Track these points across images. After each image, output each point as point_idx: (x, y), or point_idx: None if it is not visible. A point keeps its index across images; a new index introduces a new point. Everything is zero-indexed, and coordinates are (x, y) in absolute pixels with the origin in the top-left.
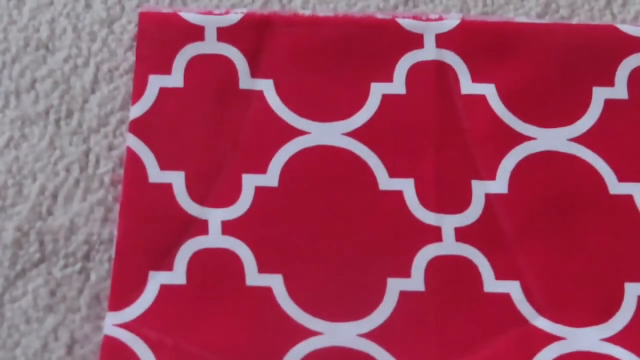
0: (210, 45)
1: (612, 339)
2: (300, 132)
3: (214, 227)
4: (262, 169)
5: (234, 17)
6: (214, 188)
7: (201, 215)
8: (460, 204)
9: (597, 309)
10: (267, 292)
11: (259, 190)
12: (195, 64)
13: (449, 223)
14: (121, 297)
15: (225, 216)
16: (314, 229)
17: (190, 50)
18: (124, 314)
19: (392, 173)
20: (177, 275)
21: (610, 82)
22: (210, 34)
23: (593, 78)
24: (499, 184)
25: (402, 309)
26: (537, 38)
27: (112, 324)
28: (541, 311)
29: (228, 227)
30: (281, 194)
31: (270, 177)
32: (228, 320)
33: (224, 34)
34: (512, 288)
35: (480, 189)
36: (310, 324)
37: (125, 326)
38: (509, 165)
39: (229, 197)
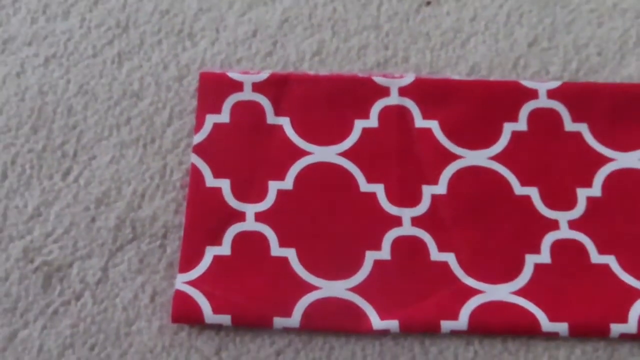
0: (247, 94)
1: (517, 292)
2: (307, 153)
3: (250, 216)
4: (281, 177)
5: (263, 75)
6: (249, 190)
7: (240, 209)
8: (414, 200)
9: (506, 271)
10: (284, 260)
11: (280, 192)
12: (237, 106)
13: (407, 214)
14: (187, 263)
15: (256, 209)
16: (317, 217)
17: (234, 98)
18: (188, 275)
19: (369, 180)
20: (224, 249)
21: (515, 119)
22: (247, 87)
23: (504, 116)
24: (441, 187)
25: (375, 272)
26: (466, 90)
27: (181, 281)
28: (469, 273)
29: (259, 217)
30: (295, 195)
31: (287, 183)
32: (258, 279)
33: (257, 86)
34: (449, 258)
35: (428, 191)
36: (313, 281)
37: (189, 283)
38: (448, 175)
39: (260, 196)
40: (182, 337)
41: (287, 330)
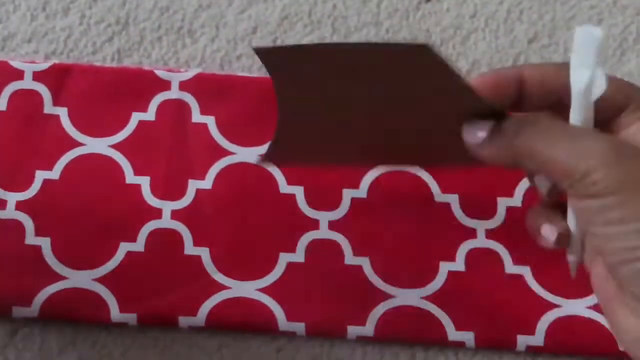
0: (27, 83)
1: (263, 290)
2: (79, 144)
3: (10, 204)
4: (50, 167)
5: (45, 64)
6: (15, 178)
7: (2, 197)
8: (178, 194)
9: (258, 269)
10: (37, 249)
11: (45, 182)
12: (16, 94)
13: (168, 207)
14: None
15: (18, 198)
16: (79, 207)
17: (13, 86)
18: None
19: (136, 172)
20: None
21: None
22: (28, 75)
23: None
24: (207, 183)
25: (126, 263)
26: (247, 87)
27: None
28: (219, 268)
29: (20, 205)
30: (60, 185)
31: (54, 173)
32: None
33: (37, 75)
34: (203, 252)
35: (193, 185)
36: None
37: None
38: (216, 170)
39: (24, 185)
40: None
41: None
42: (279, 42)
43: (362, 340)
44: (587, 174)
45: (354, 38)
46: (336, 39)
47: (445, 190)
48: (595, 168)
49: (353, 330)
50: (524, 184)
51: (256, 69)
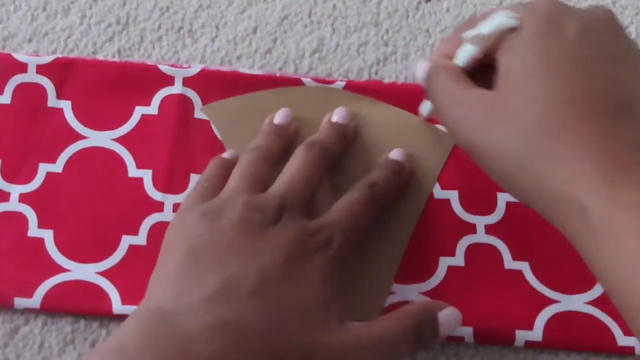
0: (31, 76)
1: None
2: (83, 137)
3: (14, 197)
4: (53, 160)
5: (49, 57)
6: (19, 171)
7: (5, 189)
8: (181, 187)
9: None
10: (40, 241)
11: (49, 175)
12: (20, 88)
13: (170, 200)
14: None
15: (22, 190)
16: (82, 201)
17: (17, 79)
18: None
19: (139, 166)
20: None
21: None
22: (32, 68)
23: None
24: None
25: (129, 257)
26: (250, 84)
27: None
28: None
29: (23, 198)
30: (64, 178)
31: (58, 166)
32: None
33: (41, 68)
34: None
35: (195, 179)
36: (64, 264)
37: None
38: None
39: (28, 177)
40: None
41: None
42: (279, 42)
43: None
44: None
45: (354, 38)
46: (336, 39)
47: (445, 187)
48: None
49: None
50: None
51: (257, 69)
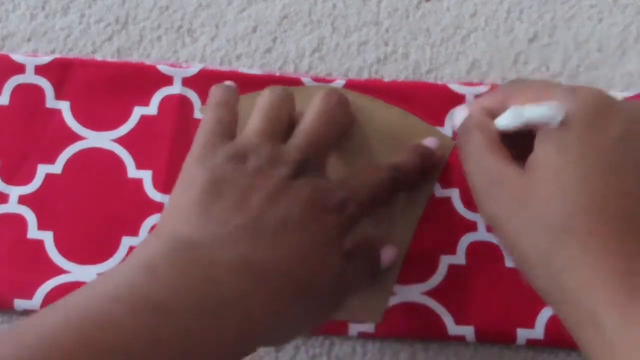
0: (29, 77)
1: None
2: (81, 138)
3: (13, 199)
4: (52, 161)
5: (47, 58)
6: (17, 172)
7: (5, 191)
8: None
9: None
10: (40, 243)
11: (48, 176)
12: (18, 89)
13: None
14: None
15: (21, 192)
16: (81, 202)
17: (15, 80)
18: None
19: (138, 166)
20: None
21: None
22: (30, 69)
23: None
24: None
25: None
26: (250, 83)
27: None
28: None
29: (22, 199)
30: (63, 179)
31: (57, 167)
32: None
33: (39, 69)
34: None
35: None
36: (64, 265)
37: None
38: None
39: (27, 179)
40: None
41: None
42: (278, 42)
43: (363, 337)
44: None
45: (354, 37)
46: (336, 38)
47: (445, 185)
48: None
49: (354, 328)
50: None
51: (256, 69)
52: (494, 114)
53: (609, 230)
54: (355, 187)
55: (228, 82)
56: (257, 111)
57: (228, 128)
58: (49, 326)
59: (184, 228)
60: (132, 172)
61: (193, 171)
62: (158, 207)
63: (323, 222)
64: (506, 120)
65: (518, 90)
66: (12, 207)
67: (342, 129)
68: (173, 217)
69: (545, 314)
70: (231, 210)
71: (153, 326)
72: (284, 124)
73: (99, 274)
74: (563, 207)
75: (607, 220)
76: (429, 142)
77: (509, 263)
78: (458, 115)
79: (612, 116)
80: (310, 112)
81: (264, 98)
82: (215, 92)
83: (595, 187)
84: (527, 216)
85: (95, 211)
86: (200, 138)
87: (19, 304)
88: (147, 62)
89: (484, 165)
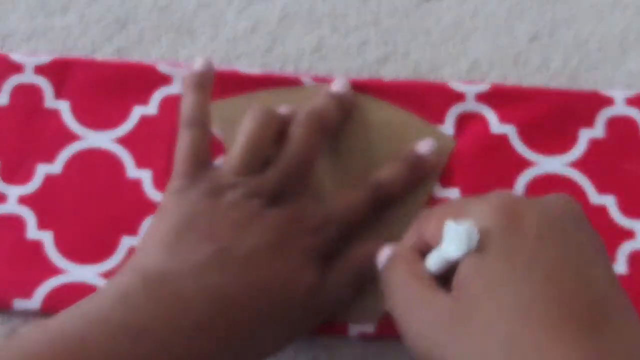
0: (28, 76)
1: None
2: (80, 138)
3: (12, 198)
4: (51, 160)
5: (46, 58)
6: (16, 172)
7: (3, 191)
8: None
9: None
10: (39, 243)
11: (47, 176)
12: (17, 88)
13: None
14: None
15: (20, 192)
16: (81, 202)
17: (14, 80)
18: None
19: (138, 166)
20: None
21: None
22: (29, 69)
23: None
24: None
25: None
26: (250, 83)
27: None
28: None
29: (22, 199)
30: (63, 179)
31: (56, 167)
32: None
33: (39, 69)
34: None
35: None
36: (62, 265)
37: None
38: None
39: (26, 179)
40: None
41: None
42: (278, 41)
43: (363, 338)
44: None
45: (354, 37)
46: (336, 38)
47: (445, 185)
48: None
49: (354, 329)
50: (522, 178)
51: (256, 69)
52: (417, 248)
53: (555, 340)
54: (336, 207)
55: (199, 64)
56: (238, 140)
57: (204, 151)
58: (32, 347)
59: (157, 259)
60: (132, 171)
61: (169, 205)
62: (157, 207)
63: (301, 243)
64: (434, 267)
65: (430, 220)
66: (11, 207)
67: (320, 149)
68: (147, 249)
69: None
70: (201, 241)
71: (130, 348)
72: (264, 150)
73: (95, 274)
74: (505, 328)
75: (551, 331)
76: (424, 145)
77: None
78: (382, 256)
79: (526, 218)
80: (290, 139)
81: (246, 124)
82: (190, 135)
83: (529, 298)
84: (469, 345)
85: (94, 211)
86: (177, 166)
87: (19, 303)
88: (147, 61)
89: (411, 297)
